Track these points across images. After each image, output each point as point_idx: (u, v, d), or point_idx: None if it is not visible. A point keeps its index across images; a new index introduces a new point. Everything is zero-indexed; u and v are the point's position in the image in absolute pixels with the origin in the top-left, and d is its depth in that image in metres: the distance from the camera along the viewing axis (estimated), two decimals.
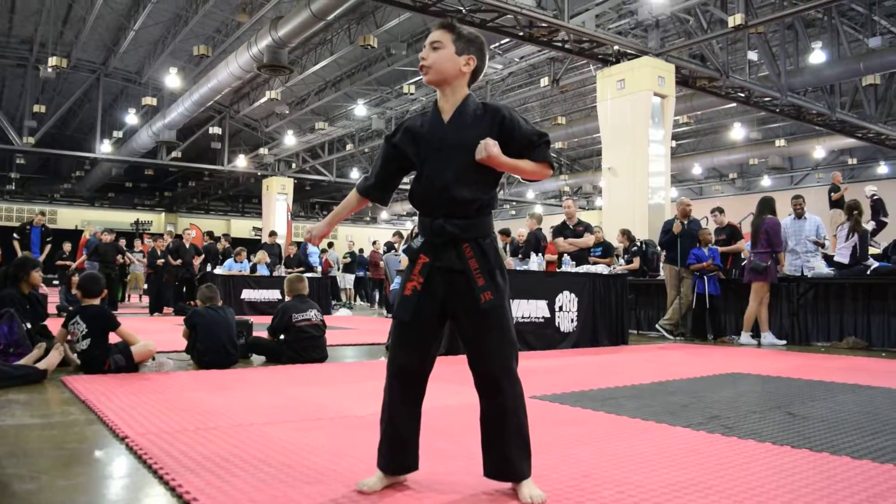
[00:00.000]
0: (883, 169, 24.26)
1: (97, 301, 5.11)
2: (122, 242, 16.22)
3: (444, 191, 2.23)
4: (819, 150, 23.31)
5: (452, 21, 2.33)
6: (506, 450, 2.21)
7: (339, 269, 18.64)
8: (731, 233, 10.00)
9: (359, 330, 9.59)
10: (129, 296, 18.00)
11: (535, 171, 2.26)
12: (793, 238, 9.04)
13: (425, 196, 2.29)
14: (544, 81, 17.53)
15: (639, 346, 8.35)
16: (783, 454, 2.85)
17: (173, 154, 25.06)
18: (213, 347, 5.44)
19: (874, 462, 2.73)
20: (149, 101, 20.73)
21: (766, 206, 8.62)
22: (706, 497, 2.24)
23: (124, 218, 33.69)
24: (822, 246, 8.94)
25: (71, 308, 6.13)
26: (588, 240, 9.15)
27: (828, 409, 3.96)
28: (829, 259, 8.83)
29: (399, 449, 2.27)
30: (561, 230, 9.22)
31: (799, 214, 9.13)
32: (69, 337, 4.92)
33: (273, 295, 13.14)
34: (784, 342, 8.38)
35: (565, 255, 8.82)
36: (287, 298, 6.22)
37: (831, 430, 3.36)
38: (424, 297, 2.26)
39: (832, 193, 11.20)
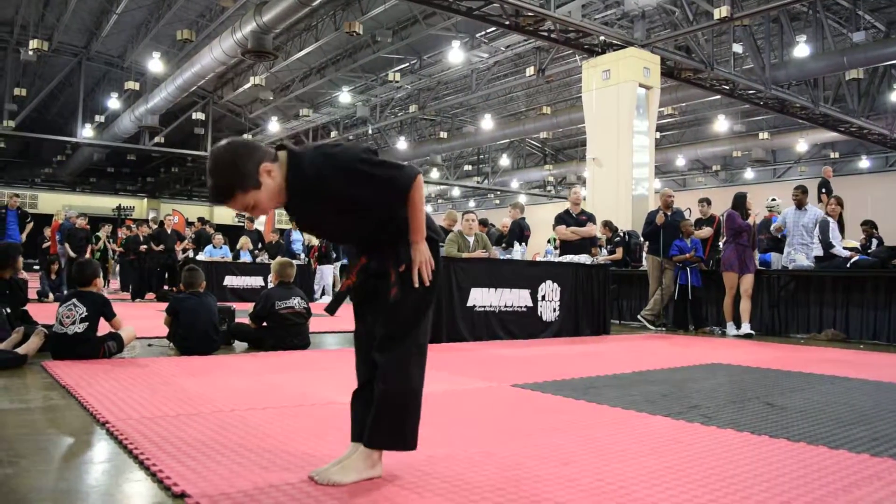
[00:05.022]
0: (865, 163, 24.45)
1: (93, 288, 5.07)
2: (109, 228, 16.11)
3: (337, 241, 2.38)
4: (802, 144, 23.46)
5: (214, 185, 2.04)
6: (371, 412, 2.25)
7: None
8: (711, 225, 10.05)
9: (342, 317, 9.54)
10: (109, 281, 17.86)
11: (415, 203, 2.20)
12: (794, 229, 9.10)
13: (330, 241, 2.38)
14: (530, 71, 17.51)
15: (620, 336, 8.41)
16: (761, 444, 2.89)
17: (156, 139, 24.80)
18: (195, 333, 5.42)
19: (850, 452, 2.77)
20: (131, 85, 20.52)
21: (735, 200, 8.68)
22: (684, 485, 2.27)
23: (106, 203, 33.37)
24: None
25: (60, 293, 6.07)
26: (591, 229, 9.17)
27: (806, 399, 4.01)
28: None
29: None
30: (564, 218, 9.24)
31: (799, 205, 9.18)
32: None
33: (256, 281, 13.09)
34: (744, 332, 8.38)
35: (549, 244, 8.84)
36: (271, 283, 6.20)
37: (809, 420, 3.41)
38: (357, 289, 2.36)
39: (822, 189, 11.18)
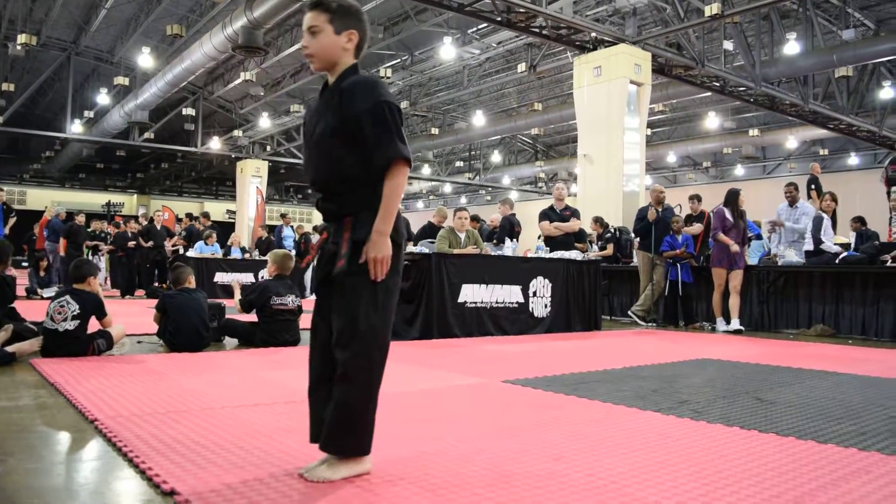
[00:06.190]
0: (853, 160, 24.58)
1: (87, 286, 5.04)
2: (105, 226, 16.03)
3: (313, 173, 2.30)
4: (792, 141, 23.56)
5: None
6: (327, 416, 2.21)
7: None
8: (701, 221, 10.07)
9: None
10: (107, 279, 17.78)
11: (395, 187, 2.17)
12: (786, 225, 9.14)
13: (308, 178, 2.35)
14: (521, 67, 17.52)
15: (611, 332, 8.43)
16: (750, 438, 2.90)
17: (146, 135, 24.67)
18: (185, 330, 5.40)
19: (838, 446, 2.79)
20: (121, 80, 20.38)
21: (726, 196, 8.71)
22: (674, 479, 2.28)
23: (95, 199, 33.21)
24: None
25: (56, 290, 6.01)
26: (574, 224, 9.19)
27: (795, 394, 4.03)
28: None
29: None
30: (548, 214, 9.26)
31: (791, 202, 9.22)
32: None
33: (246, 278, 13.05)
34: (734, 328, 8.44)
35: (539, 240, 8.85)
36: (268, 274, 6.18)
37: (798, 415, 3.42)
38: (317, 270, 2.33)
39: (811, 185, 11.24)
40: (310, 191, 42.90)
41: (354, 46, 2.28)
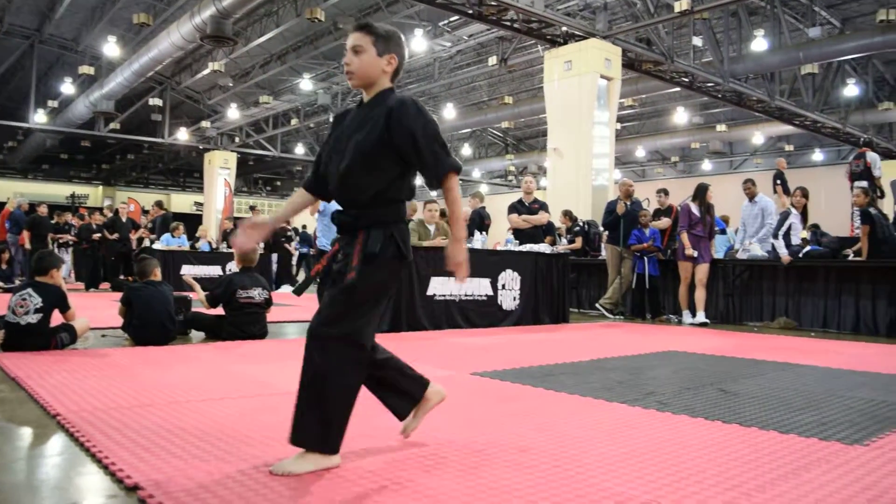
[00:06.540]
0: (818, 156, 24.98)
1: (50, 279, 4.95)
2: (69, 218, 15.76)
3: (335, 183, 2.40)
4: (758, 136, 23.88)
5: (369, 22, 2.43)
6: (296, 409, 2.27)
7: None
8: (669, 215, 10.19)
9: (301, 307, 9.51)
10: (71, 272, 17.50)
11: (456, 196, 2.34)
12: (748, 220, 9.27)
13: (318, 186, 2.52)
14: (492, 60, 17.50)
15: (579, 325, 8.49)
16: (714, 429, 2.95)
17: (111, 125, 24.23)
18: (150, 323, 5.33)
19: (799, 436, 2.84)
20: (86, 70, 19.99)
21: (695, 190, 8.81)
22: (640, 470, 2.31)
23: (60, 191, 32.57)
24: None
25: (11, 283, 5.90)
26: (542, 217, 9.22)
27: (758, 386, 4.09)
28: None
29: None
30: (516, 207, 9.28)
31: (751, 197, 9.36)
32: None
33: (214, 271, 12.93)
34: (700, 320, 8.55)
35: (509, 233, 8.88)
36: (235, 267, 6.13)
37: (761, 406, 3.48)
38: (323, 278, 2.44)
39: (777, 180, 11.42)
40: (279, 183, 42.76)
41: (393, 70, 2.42)
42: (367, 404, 3.20)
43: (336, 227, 2.41)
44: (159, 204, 14.52)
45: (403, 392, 2.56)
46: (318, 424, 2.21)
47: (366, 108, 2.40)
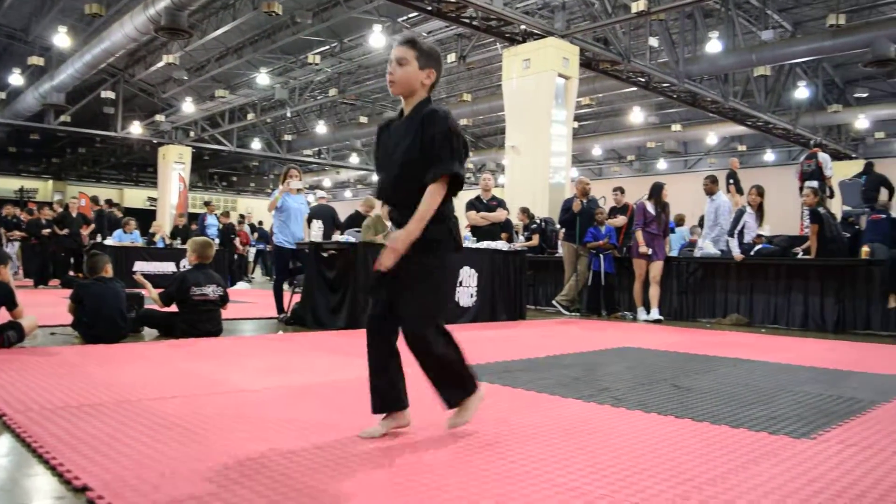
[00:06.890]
0: (770, 156, 25.53)
1: None
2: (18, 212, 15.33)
3: (390, 190, 2.71)
4: (712, 136, 24.31)
5: (415, 38, 2.73)
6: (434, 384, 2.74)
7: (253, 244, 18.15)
8: (624, 213, 10.31)
9: (257, 304, 9.41)
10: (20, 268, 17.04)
11: (432, 200, 2.55)
12: (706, 218, 9.44)
13: (381, 193, 2.81)
14: (451, 58, 17.51)
15: (536, 322, 8.55)
16: (667, 423, 3.00)
17: (62, 118, 23.64)
18: (101, 321, 5.21)
19: (749, 430, 2.90)
20: (35, 60, 19.45)
21: (651, 189, 8.95)
22: (594, 465, 2.33)
23: (8, 185, 31.71)
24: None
25: None
26: (500, 214, 9.26)
27: (710, 381, 4.17)
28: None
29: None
30: (474, 204, 9.30)
31: (709, 193, 9.55)
32: None
33: (168, 267, 12.72)
34: (654, 317, 8.69)
35: (466, 230, 8.89)
36: (188, 264, 6.01)
37: (712, 401, 3.55)
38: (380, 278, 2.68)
39: (730, 180, 11.66)
40: (234, 178, 42.17)
41: (431, 83, 2.70)
42: (314, 399, 3.17)
43: (396, 227, 2.68)
44: (105, 201, 14.24)
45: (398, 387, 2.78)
46: (455, 385, 2.74)
47: (407, 120, 2.67)
